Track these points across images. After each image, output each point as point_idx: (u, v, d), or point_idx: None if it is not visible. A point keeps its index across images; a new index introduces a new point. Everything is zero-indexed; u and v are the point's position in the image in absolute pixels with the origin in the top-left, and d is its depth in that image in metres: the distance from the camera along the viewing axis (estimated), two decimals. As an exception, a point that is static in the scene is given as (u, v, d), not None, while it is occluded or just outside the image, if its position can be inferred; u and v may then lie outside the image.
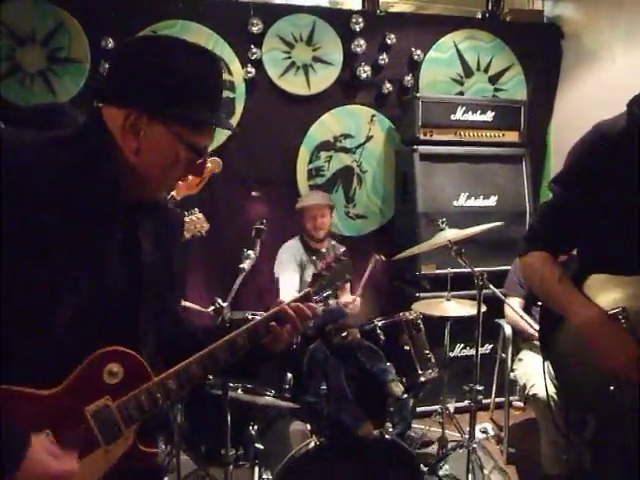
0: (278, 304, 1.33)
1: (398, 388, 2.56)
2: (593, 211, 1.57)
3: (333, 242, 3.69)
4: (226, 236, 3.61)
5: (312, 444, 2.44)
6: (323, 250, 3.49)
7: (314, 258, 3.45)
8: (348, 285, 3.54)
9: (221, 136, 3.92)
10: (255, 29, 3.89)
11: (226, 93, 3.94)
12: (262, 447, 2.70)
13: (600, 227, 1.58)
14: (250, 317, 2.64)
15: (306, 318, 1.33)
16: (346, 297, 3.45)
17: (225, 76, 3.92)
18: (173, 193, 2.55)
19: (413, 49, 4.23)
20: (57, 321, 1.02)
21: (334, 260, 1.46)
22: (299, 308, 1.32)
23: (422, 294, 3.81)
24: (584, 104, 4.27)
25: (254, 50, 3.92)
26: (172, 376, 1.18)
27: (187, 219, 2.57)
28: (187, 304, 2.88)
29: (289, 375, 2.58)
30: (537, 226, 1.72)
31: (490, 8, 4.53)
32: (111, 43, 3.66)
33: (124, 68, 1.12)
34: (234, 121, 3.97)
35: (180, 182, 2.53)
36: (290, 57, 4.03)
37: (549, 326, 1.71)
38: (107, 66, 3.66)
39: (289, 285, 3.35)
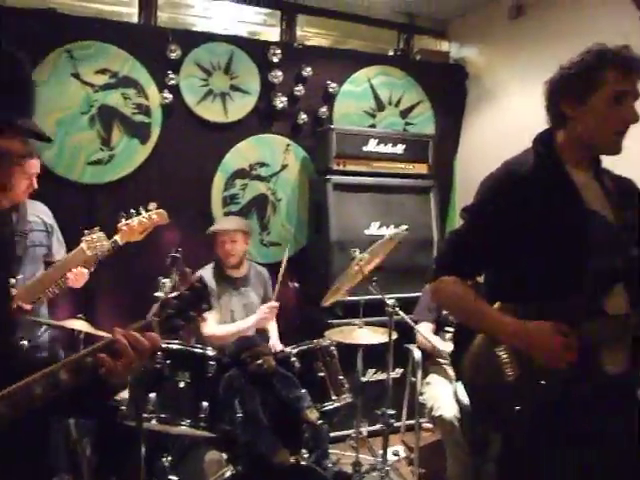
0: (113, 333, 1.20)
1: (313, 415, 2.60)
2: (498, 242, 1.68)
3: (260, 268, 3.67)
4: (140, 264, 3.54)
5: (228, 473, 2.43)
6: (239, 276, 3.49)
7: (226, 285, 3.44)
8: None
9: (134, 162, 3.88)
10: (173, 55, 3.88)
11: (141, 118, 3.90)
12: (176, 478, 2.67)
13: (504, 257, 1.70)
14: (164, 346, 2.65)
15: (144, 351, 1.19)
16: (273, 329, 3.47)
17: (141, 100, 3.89)
18: (116, 238, 2.54)
19: (328, 82, 4.37)
20: None
21: (188, 286, 1.30)
22: (135, 339, 1.18)
23: (334, 321, 3.89)
24: (486, 140, 4.57)
25: (172, 76, 3.91)
26: (5, 398, 1.09)
27: (87, 237, 2.55)
28: (100, 333, 2.80)
29: (204, 404, 2.56)
30: (446, 252, 1.81)
31: (401, 47, 4.78)
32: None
33: None
34: (149, 146, 3.93)
35: (123, 228, 2.52)
36: (208, 84, 4.05)
37: (460, 347, 1.80)
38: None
39: (209, 317, 3.30)
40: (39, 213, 2.94)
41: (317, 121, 4.37)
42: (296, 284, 4.31)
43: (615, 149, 1.67)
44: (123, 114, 3.86)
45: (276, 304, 3.34)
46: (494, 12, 4.40)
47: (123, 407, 2.58)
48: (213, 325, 3.29)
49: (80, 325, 2.86)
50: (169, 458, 2.71)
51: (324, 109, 4.37)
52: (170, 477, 2.66)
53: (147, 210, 2.69)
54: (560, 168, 1.69)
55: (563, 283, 1.58)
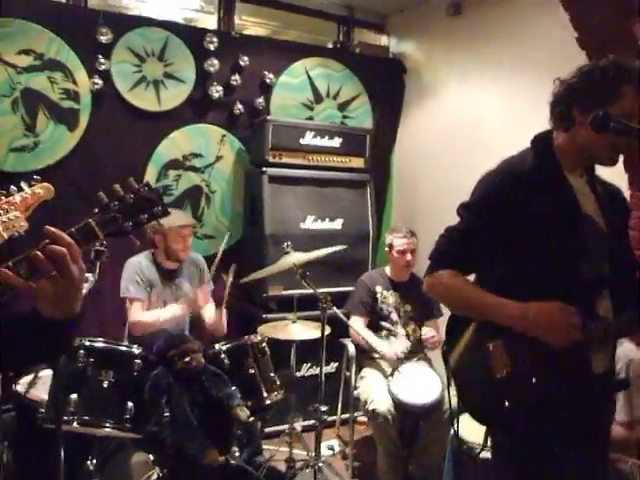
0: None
1: (244, 413, 2.56)
2: (495, 239, 1.70)
3: (194, 255, 3.57)
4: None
5: (154, 476, 2.36)
6: (173, 268, 3.38)
7: (163, 279, 3.33)
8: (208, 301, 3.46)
9: (61, 150, 3.71)
10: (104, 39, 3.70)
11: (69, 103, 3.72)
12: (101, 483, 2.58)
13: (499, 255, 1.72)
14: (87, 344, 2.54)
15: (60, 258, 1.05)
16: (208, 310, 3.38)
17: (69, 85, 3.71)
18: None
19: (265, 72, 4.29)
20: None
21: (132, 192, 1.21)
22: (49, 249, 1.06)
23: (269, 315, 3.85)
24: (423, 135, 4.61)
25: (102, 61, 3.73)
26: None
27: (4, 218, 2.39)
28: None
29: (130, 404, 2.48)
30: (443, 247, 1.80)
31: (341, 39, 4.75)
32: None
33: None
34: (78, 134, 3.75)
35: (5, 206, 2.35)
36: (141, 71, 3.90)
37: (451, 341, 1.81)
38: None
39: (136, 304, 3.19)
40: None
41: (253, 112, 4.29)
42: (231, 277, 4.22)
43: (612, 162, 1.70)
44: (49, 99, 3.66)
45: (198, 295, 3.26)
46: (433, 9, 4.42)
47: (42, 410, 2.47)
48: (140, 312, 3.18)
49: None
50: (94, 461, 2.60)
51: (261, 100, 4.29)
52: (95, 481, 2.56)
53: (30, 185, 2.54)
54: (558, 171, 1.72)
55: (556, 285, 1.62)
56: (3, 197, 2.46)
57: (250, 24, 4.45)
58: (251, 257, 4.10)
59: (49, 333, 1.15)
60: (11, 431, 2.74)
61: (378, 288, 3.61)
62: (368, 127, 4.67)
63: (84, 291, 2.47)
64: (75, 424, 2.39)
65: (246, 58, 4.17)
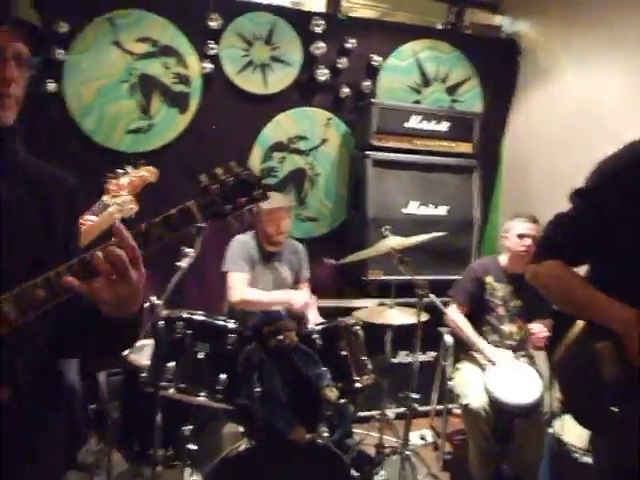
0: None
1: (332, 393, 2.55)
2: (612, 229, 1.56)
3: (296, 244, 3.57)
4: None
5: (243, 446, 2.43)
6: (274, 251, 3.43)
7: (264, 261, 3.38)
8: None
9: (173, 131, 3.88)
10: (214, 24, 3.84)
11: (181, 87, 3.89)
12: (195, 448, 2.68)
13: (616, 247, 1.57)
14: (185, 316, 2.64)
15: (119, 262, 1.05)
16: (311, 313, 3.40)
17: (181, 70, 3.87)
18: (104, 198, 2.50)
19: (372, 55, 4.24)
20: None
21: (232, 175, 1.20)
22: (109, 251, 1.05)
23: (367, 300, 3.82)
24: (537, 118, 4.36)
25: (212, 45, 3.87)
26: (9, 299, 1.05)
27: (118, 200, 2.52)
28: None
29: (223, 376, 2.55)
30: (553, 235, 1.69)
31: (451, 20, 4.59)
32: (65, 28, 3.55)
33: None
34: (188, 117, 3.92)
35: (112, 188, 2.46)
36: (248, 55, 3.99)
37: (556, 338, 1.69)
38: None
39: (239, 281, 3.26)
40: None
41: (359, 95, 4.25)
42: (332, 261, 4.24)
43: None
44: (163, 83, 3.85)
45: (309, 302, 3.26)
46: (551, -15, 4.16)
47: (143, 374, 2.62)
48: (244, 288, 3.21)
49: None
50: (190, 427, 2.72)
51: (367, 83, 4.25)
52: (189, 446, 2.67)
53: (136, 168, 2.64)
54: None
55: None
56: (112, 179, 2.63)
57: (358, 6, 4.40)
58: (353, 240, 4.10)
59: (107, 330, 1.17)
60: (119, 392, 2.93)
61: (488, 278, 3.35)
62: (477, 111, 4.49)
63: (184, 265, 2.60)
64: (171, 390, 2.49)
65: (353, 41, 4.14)
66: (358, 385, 2.76)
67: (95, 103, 3.71)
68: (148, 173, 2.65)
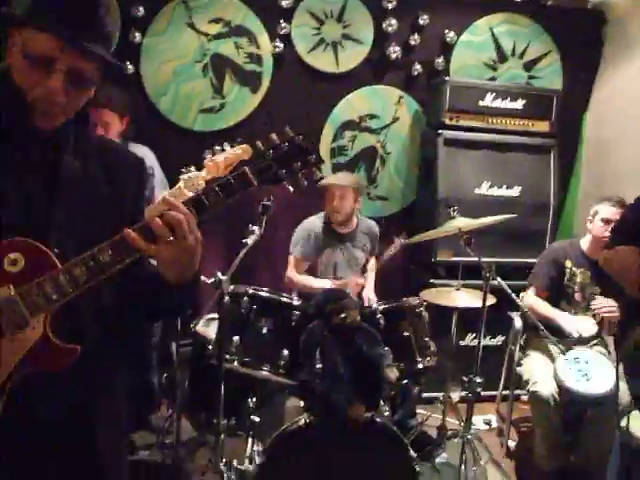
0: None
1: (393, 373, 2.56)
2: None
3: (369, 222, 3.58)
4: (239, 211, 3.61)
5: (302, 421, 2.47)
6: (346, 232, 3.44)
7: (332, 237, 3.42)
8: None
9: (245, 110, 3.94)
10: (285, 3, 3.85)
11: (253, 67, 3.94)
12: (258, 419, 2.76)
13: None
14: (251, 292, 2.71)
15: (178, 224, 1.12)
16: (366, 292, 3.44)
17: (253, 50, 3.92)
18: (202, 173, 2.60)
19: (446, 31, 4.13)
20: None
21: (286, 140, 1.25)
22: (168, 215, 1.13)
23: (435, 281, 3.78)
24: (623, 96, 4.11)
25: (283, 25, 3.89)
26: (78, 263, 1.12)
27: (185, 176, 2.60)
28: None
29: (285, 351, 2.61)
30: (628, 218, 1.63)
31: (531, -8, 4.38)
32: (141, 12, 3.68)
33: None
34: (259, 96, 3.97)
35: (209, 164, 2.56)
36: (319, 33, 3.99)
37: (626, 325, 1.64)
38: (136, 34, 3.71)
39: (292, 264, 3.36)
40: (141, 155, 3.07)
41: (432, 73, 4.16)
42: (402, 240, 4.21)
43: None
44: (235, 63, 3.92)
45: (362, 282, 3.35)
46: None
47: (210, 347, 2.71)
48: (294, 271, 3.36)
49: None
50: (254, 399, 2.81)
51: (440, 60, 4.15)
52: (253, 417, 2.75)
53: (232, 146, 2.71)
54: None
55: None
56: (209, 155, 2.72)
57: (432, -20, 4.28)
58: (422, 220, 4.05)
59: (166, 294, 1.25)
60: (188, 363, 3.05)
61: (568, 263, 3.22)
62: (556, 88, 4.29)
63: (249, 242, 2.66)
64: (235, 364, 2.57)
65: (426, 16, 4.04)
66: (420, 366, 2.75)
67: (170, 83, 3.84)
68: (242, 151, 2.72)
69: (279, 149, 1.23)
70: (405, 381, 2.90)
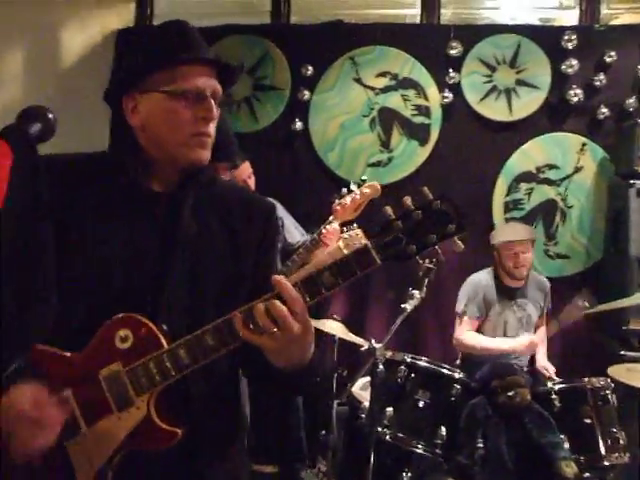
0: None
1: (570, 469, 2.21)
2: None
3: (540, 277, 3.39)
4: (392, 270, 3.47)
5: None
6: (517, 287, 3.20)
7: (502, 295, 3.18)
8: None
9: (413, 164, 3.84)
10: (454, 52, 3.73)
11: (421, 119, 3.85)
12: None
13: None
14: (409, 360, 2.53)
15: (281, 317, 1.01)
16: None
17: (421, 101, 3.83)
18: (331, 218, 2.53)
19: (639, 67, 3.68)
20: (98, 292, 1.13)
21: (423, 205, 1.03)
22: (272, 305, 1.02)
23: (628, 353, 3.28)
24: None
25: (452, 74, 3.76)
26: (182, 345, 1.08)
27: (345, 235, 2.51)
28: (355, 338, 2.78)
29: (443, 429, 2.39)
30: None
31: None
32: (310, 71, 3.81)
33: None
34: (428, 148, 3.85)
35: (337, 208, 2.50)
36: (491, 81, 3.79)
37: None
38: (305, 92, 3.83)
39: (462, 324, 3.12)
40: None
41: (621, 115, 3.72)
42: (586, 303, 3.77)
43: None
44: (403, 116, 3.87)
45: (536, 341, 3.05)
46: None
47: (363, 415, 2.58)
48: (464, 330, 3.11)
49: (335, 327, 2.86)
50: (409, 474, 2.60)
51: (632, 100, 3.68)
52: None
53: (359, 186, 2.60)
54: None
55: None
56: (337, 199, 2.66)
57: (621, 11, 3.87)
58: (611, 282, 3.61)
59: (277, 377, 1.14)
60: (344, 424, 2.93)
61: None
62: None
63: (408, 307, 2.51)
64: (387, 437, 2.41)
65: (613, 53, 3.64)
66: (606, 463, 2.35)
67: (338, 138, 3.89)
68: (370, 190, 2.64)
69: (410, 218, 1.02)
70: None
